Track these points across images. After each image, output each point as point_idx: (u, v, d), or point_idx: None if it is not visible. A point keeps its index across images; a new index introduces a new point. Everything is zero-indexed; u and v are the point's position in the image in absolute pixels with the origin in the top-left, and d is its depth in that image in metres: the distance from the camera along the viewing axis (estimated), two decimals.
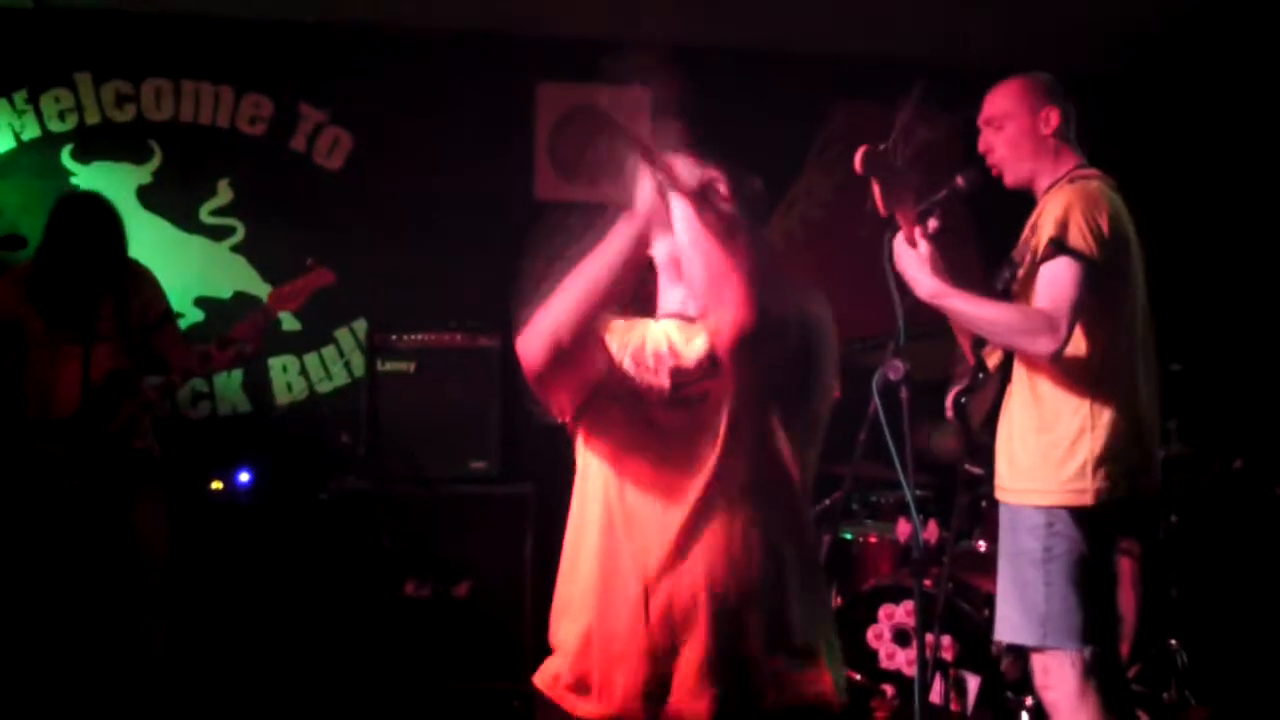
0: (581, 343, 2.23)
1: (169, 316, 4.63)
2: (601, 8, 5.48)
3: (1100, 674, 3.13)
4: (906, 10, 5.44)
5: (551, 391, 2.32)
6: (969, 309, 3.15)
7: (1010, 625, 3.22)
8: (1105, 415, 3.14)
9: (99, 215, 4.47)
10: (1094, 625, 3.13)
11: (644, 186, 2.26)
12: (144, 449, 4.43)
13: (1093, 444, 3.13)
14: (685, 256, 2.22)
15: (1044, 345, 3.06)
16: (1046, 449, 3.18)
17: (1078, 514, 3.13)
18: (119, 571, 4.29)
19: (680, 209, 2.21)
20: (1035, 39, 5.26)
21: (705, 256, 2.18)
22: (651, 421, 2.28)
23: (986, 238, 3.60)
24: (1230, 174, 5.94)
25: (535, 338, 2.23)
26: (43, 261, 4.42)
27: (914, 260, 3.14)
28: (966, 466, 3.84)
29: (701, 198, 2.24)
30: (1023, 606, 3.18)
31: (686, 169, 2.26)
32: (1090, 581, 3.14)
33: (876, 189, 2.98)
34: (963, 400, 3.69)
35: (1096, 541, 3.16)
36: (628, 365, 2.34)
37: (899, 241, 3.16)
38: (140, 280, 4.58)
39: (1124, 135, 4.67)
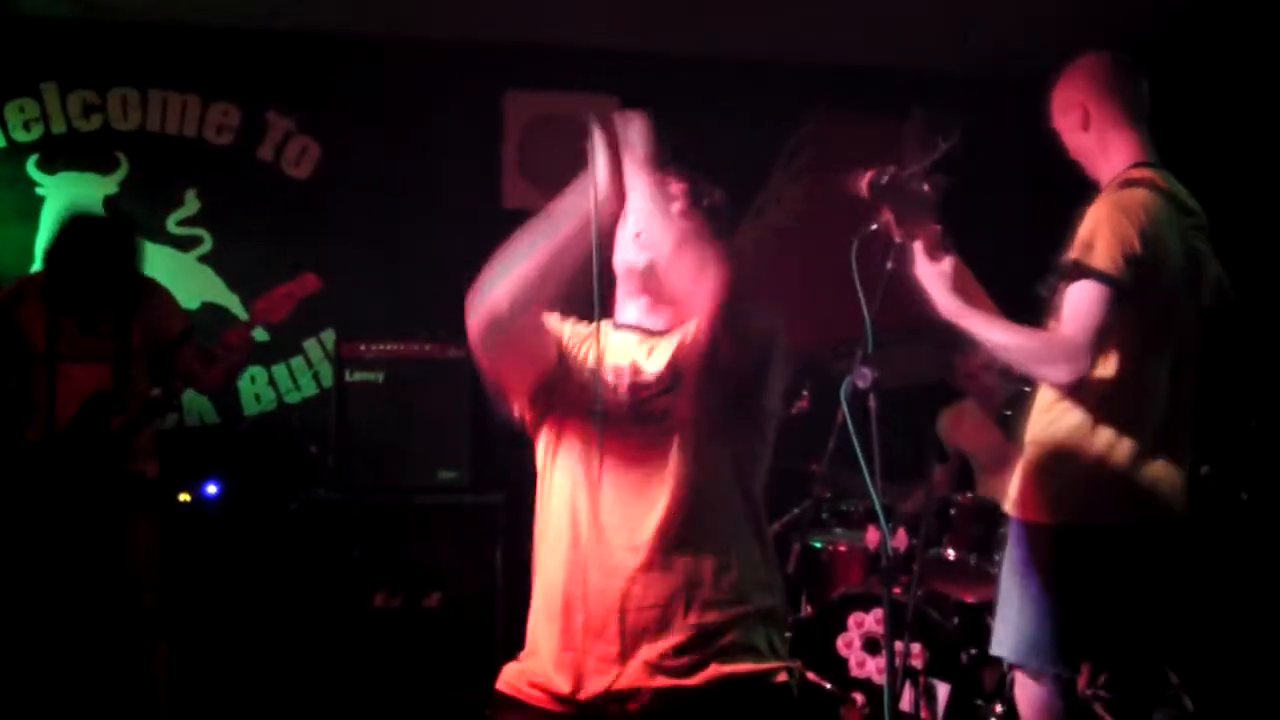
0: (522, 307, 2.24)
1: (186, 336, 4.48)
2: (570, 16, 5.49)
3: (1070, 698, 3.07)
4: (878, 18, 5.46)
5: (496, 365, 2.33)
6: (987, 332, 3.02)
7: (995, 638, 3.14)
8: (1105, 435, 2.98)
9: (112, 237, 4.36)
10: (1070, 648, 3.01)
11: (598, 159, 2.27)
12: (137, 471, 4.29)
13: (1086, 463, 2.98)
14: (651, 226, 2.26)
15: (1063, 374, 2.91)
16: (1042, 463, 3.06)
17: (1068, 532, 3.00)
18: (109, 595, 4.22)
19: (639, 180, 2.24)
20: (1022, 42, 5.26)
21: (672, 225, 2.23)
22: (616, 439, 2.30)
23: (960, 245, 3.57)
24: (1212, 186, 5.96)
25: (477, 297, 2.25)
26: (52, 279, 4.30)
27: (935, 278, 3.04)
28: None
29: (656, 167, 2.26)
30: (1004, 619, 3.11)
31: (639, 139, 2.27)
32: (1075, 603, 2.99)
33: (889, 216, 2.90)
34: (1007, 414, 3.65)
35: (1089, 563, 2.99)
36: (588, 377, 2.36)
37: (920, 260, 3.05)
38: (152, 300, 4.46)
39: None
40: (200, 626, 4.97)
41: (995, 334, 3.02)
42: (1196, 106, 5.97)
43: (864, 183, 2.81)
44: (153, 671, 4.34)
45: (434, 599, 4.83)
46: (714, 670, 2.21)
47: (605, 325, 2.44)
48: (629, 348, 2.39)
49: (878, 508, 2.75)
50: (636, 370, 2.36)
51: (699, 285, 2.19)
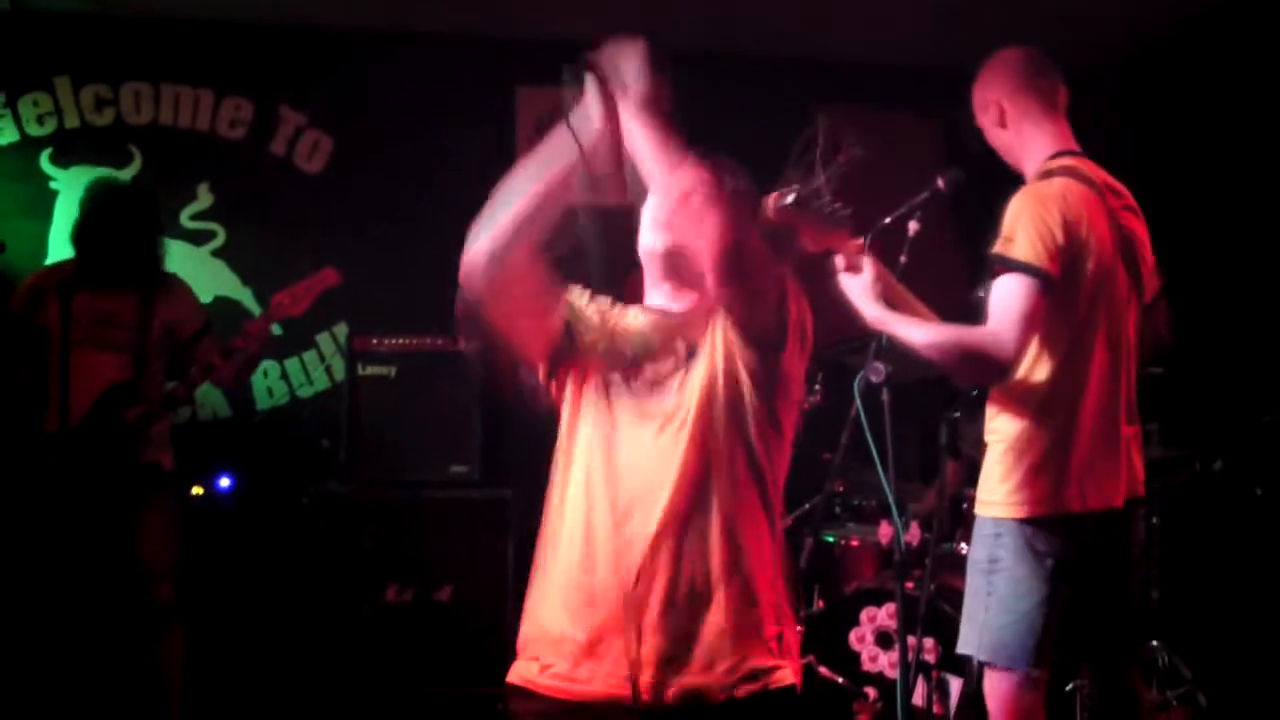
0: (518, 253, 2.25)
1: (206, 331, 4.53)
2: (582, 10, 5.48)
3: (1040, 698, 3.01)
4: (886, 14, 5.45)
5: (496, 311, 2.33)
6: (912, 334, 2.96)
7: (961, 636, 3.10)
8: (1049, 426, 2.97)
9: (142, 204, 4.44)
10: (1036, 646, 2.96)
11: (589, 95, 2.33)
12: (152, 462, 4.33)
13: (1033, 455, 2.97)
14: (644, 160, 2.27)
15: (991, 369, 2.90)
16: (996, 458, 3.05)
17: (1026, 526, 2.97)
18: (124, 585, 4.24)
19: (633, 117, 2.29)
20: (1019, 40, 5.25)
21: (669, 174, 2.25)
22: (630, 413, 2.31)
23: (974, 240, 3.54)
24: (1205, 181, 5.95)
25: (473, 251, 2.27)
26: (83, 245, 4.34)
27: (858, 288, 3.01)
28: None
29: (650, 103, 2.31)
30: (968, 616, 3.08)
31: (632, 75, 2.35)
32: (1038, 600, 2.96)
33: (801, 234, 2.86)
34: (955, 416, 3.64)
35: (1049, 556, 2.97)
36: (605, 345, 2.36)
37: (841, 272, 3.04)
38: (172, 295, 4.50)
39: (1110, 135, 4.65)
40: (213, 619, 4.98)
41: (921, 336, 2.96)
42: (1197, 107, 5.97)
43: (768, 206, 2.74)
44: (168, 662, 4.36)
45: (445, 593, 4.83)
46: (723, 669, 2.20)
47: (633, 307, 2.45)
48: (652, 320, 2.39)
49: (891, 502, 2.75)
50: (656, 335, 2.36)
51: (699, 237, 2.21)
